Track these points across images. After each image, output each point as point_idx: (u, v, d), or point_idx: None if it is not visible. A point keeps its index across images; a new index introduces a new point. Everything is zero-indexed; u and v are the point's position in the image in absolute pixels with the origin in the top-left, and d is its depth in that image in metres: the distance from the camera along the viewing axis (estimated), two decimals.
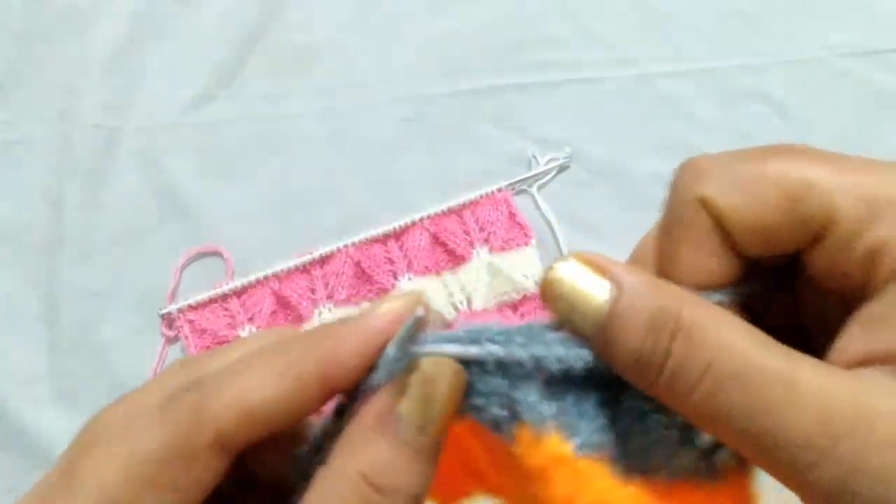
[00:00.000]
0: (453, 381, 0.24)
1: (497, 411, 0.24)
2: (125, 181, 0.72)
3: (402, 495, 0.23)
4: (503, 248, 0.67)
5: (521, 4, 0.80)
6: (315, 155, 0.74)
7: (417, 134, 0.74)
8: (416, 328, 0.24)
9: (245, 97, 0.76)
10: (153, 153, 0.73)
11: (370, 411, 0.24)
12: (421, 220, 0.67)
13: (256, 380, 0.23)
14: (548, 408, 0.24)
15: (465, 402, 0.24)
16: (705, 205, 0.24)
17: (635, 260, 0.28)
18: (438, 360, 0.24)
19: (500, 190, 0.69)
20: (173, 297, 0.67)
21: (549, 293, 0.24)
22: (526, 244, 0.68)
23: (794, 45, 0.77)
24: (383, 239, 0.67)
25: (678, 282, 0.25)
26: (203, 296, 0.66)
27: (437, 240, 0.67)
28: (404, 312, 0.24)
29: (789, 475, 0.21)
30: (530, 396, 0.24)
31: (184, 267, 0.68)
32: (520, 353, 0.24)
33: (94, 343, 0.66)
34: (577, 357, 0.24)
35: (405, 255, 0.67)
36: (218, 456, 0.23)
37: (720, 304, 0.24)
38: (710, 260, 0.25)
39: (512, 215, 0.69)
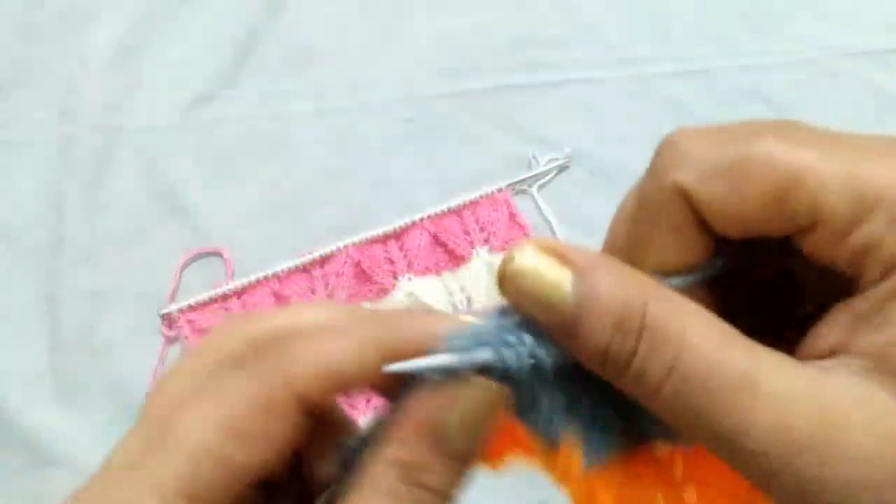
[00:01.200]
0: (497, 403, 0.24)
1: (547, 423, 0.25)
2: (125, 181, 0.72)
3: (442, 497, 0.23)
4: (503, 248, 0.67)
5: (521, 4, 0.80)
6: (315, 155, 0.74)
7: (417, 134, 0.74)
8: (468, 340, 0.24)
9: (245, 97, 0.76)
10: (153, 153, 0.73)
11: (421, 413, 0.24)
12: (421, 220, 0.67)
13: (340, 343, 0.24)
14: (559, 422, 0.24)
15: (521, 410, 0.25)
16: (683, 193, 0.23)
17: (609, 238, 0.27)
18: (488, 384, 0.23)
19: (500, 190, 0.69)
20: (173, 297, 0.67)
21: (507, 288, 0.23)
22: None
23: (794, 45, 0.77)
24: (383, 239, 0.67)
25: (648, 264, 0.24)
26: (203, 296, 0.66)
27: (437, 240, 0.68)
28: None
29: (752, 479, 0.21)
30: (542, 412, 0.24)
31: (184, 267, 0.68)
32: (506, 355, 0.24)
33: (94, 343, 0.66)
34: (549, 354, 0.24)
35: (405, 255, 0.67)
36: (299, 412, 0.24)
37: (688, 286, 0.24)
38: (682, 245, 0.24)
39: (512, 215, 0.69)
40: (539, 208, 0.70)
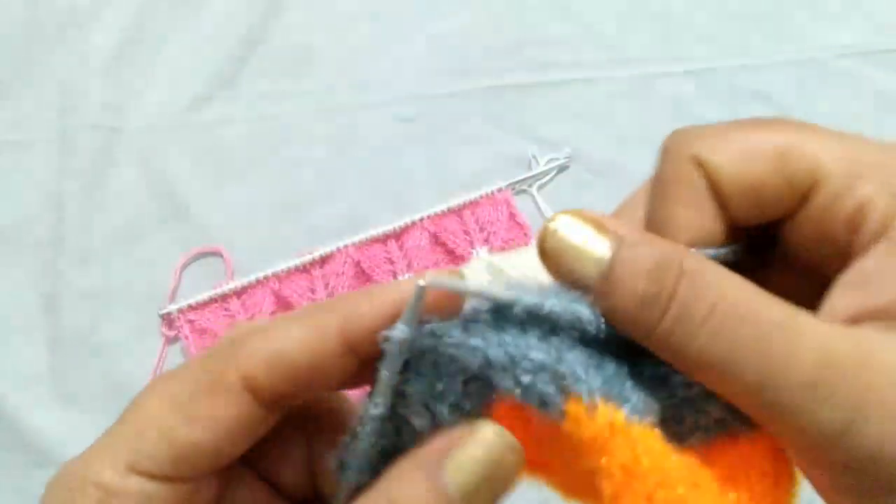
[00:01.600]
0: (511, 460, 0.23)
1: (544, 388, 0.23)
2: (125, 181, 0.72)
3: None
4: (503, 248, 0.67)
5: (522, 4, 0.80)
6: (315, 155, 0.74)
7: (417, 134, 0.74)
8: (421, 296, 0.24)
9: (245, 97, 0.76)
10: (153, 153, 0.73)
11: (425, 454, 0.23)
12: (421, 220, 0.67)
13: (281, 331, 0.25)
14: (595, 378, 0.23)
15: (512, 382, 0.24)
16: (700, 163, 0.25)
17: (622, 215, 0.28)
18: (502, 432, 0.23)
19: (500, 190, 0.69)
20: (173, 297, 0.67)
21: (548, 247, 0.24)
22: (526, 244, 0.68)
23: (794, 45, 0.77)
24: (383, 239, 0.67)
25: (671, 239, 0.25)
26: (203, 296, 0.65)
27: (437, 240, 0.68)
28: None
29: (789, 420, 0.21)
30: (577, 368, 0.23)
31: (184, 267, 0.68)
32: (551, 303, 0.23)
33: (94, 343, 0.66)
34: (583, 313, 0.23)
35: (405, 255, 0.67)
36: (246, 395, 0.24)
37: (714, 258, 0.25)
38: (702, 219, 0.25)
39: (512, 215, 0.69)
40: (539, 208, 0.70)
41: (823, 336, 0.21)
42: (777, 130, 0.25)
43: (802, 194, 0.24)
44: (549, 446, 0.25)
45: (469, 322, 0.24)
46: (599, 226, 0.24)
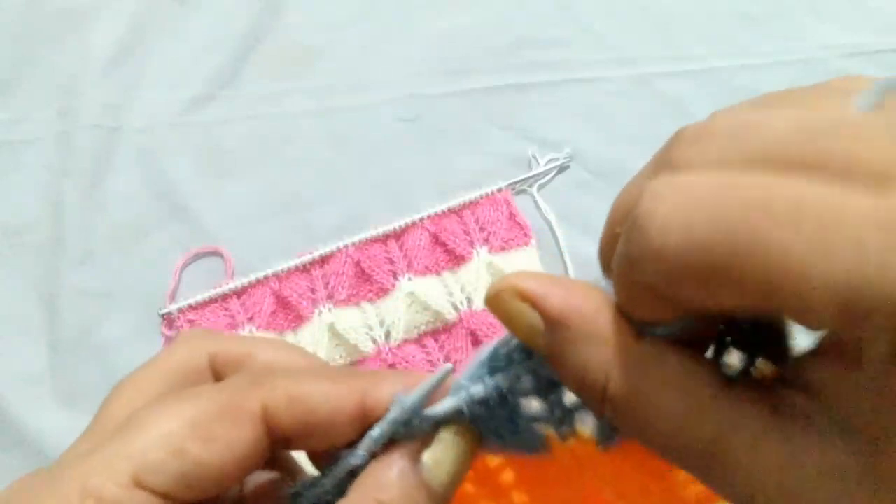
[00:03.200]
0: (472, 444, 0.26)
1: (530, 443, 0.26)
2: (125, 181, 0.72)
3: None
4: (503, 248, 0.67)
5: (521, 4, 0.80)
6: (315, 155, 0.73)
7: (417, 134, 0.74)
8: (444, 378, 0.26)
9: (245, 97, 0.76)
10: (153, 153, 0.73)
11: (397, 454, 0.25)
12: (421, 220, 0.67)
13: (306, 377, 0.26)
14: (565, 422, 0.25)
15: (500, 447, 0.26)
16: (657, 290, 0.20)
17: (606, 235, 0.25)
18: (463, 428, 0.26)
19: (500, 190, 0.69)
20: (173, 297, 0.67)
21: (494, 313, 0.24)
22: (526, 244, 0.68)
23: (794, 45, 0.77)
24: (383, 239, 0.67)
25: (635, 314, 0.22)
26: (203, 296, 0.65)
27: (437, 240, 0.67)
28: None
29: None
30: (552, 416, 0.25)
31: (184, 267, 0.68)
32: (515, 382, 0.25)
33: (94, 343, 0.66)
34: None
35: (405, 255, 0.67)
36: (263, 426, 0.25)
37: (675, 332, 0.22)
38: (667, 313, 0.22)
39: (512, 215, 0.69)
40: (539, 208, 0.70)
41: (751, 471, 0.20)
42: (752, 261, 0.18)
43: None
44: (530, 479, 0.29)
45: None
46: (532, 301, 0.23)
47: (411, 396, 0.25)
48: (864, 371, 0.19)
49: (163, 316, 0.65)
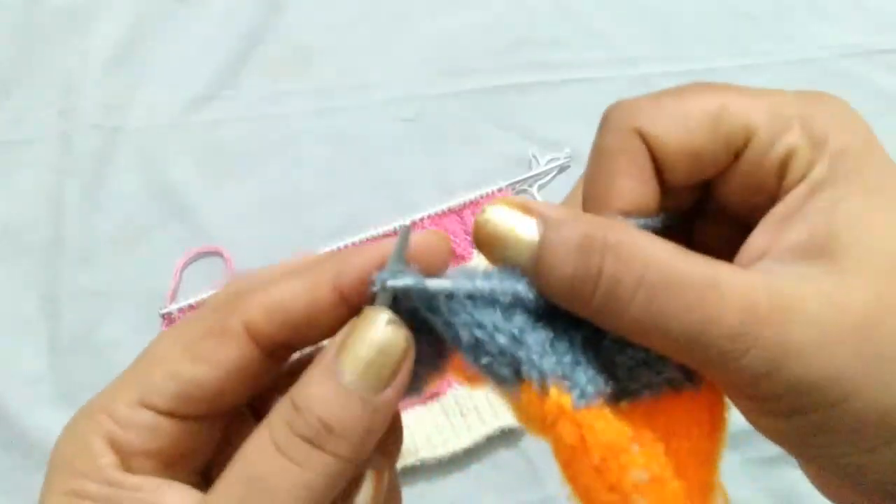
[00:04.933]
0: (401, 338, 0.25)
1: (501, 370, 0.25)
2: (125, 181, 0.72)
3: (348, 439, 0.24)
4: None
5: (521, 4, 0.80)
6: (315, 155, 0.73)
7: (417, 134, 0.74)
8: (406, 239, 0.26)
9: (245, 97, 0.76)
10: (153, 153, 0.73)
11: (325, 353, 0.25)
12: (421, 220, 0.67)
13: (281, 283, 0.27)
14: (549, 362, 0.25)
15: (473, 360, 0.26)
16: (640, 134, 0.26)
17: (566, 202, 0.30)
18: (392, 318, 0.25)
19: (500, 190, 0.69)
20: (174, 297, 0.67)
21: (481, 236, 0.25)
22: None
23: (794, 45, 0.77)
24: (383, 239, 0.67)
25: (608, 209, 0.27)
26: (203, 296, 0.65)
27: None
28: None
29: (721, 368, 0.23)
30: (533, 355, 0.25)
31: (184, 267, 0.68)
32: (487, 285, 0.25)
33: (94, 343, 0.66)
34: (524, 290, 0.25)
35: None
36: (247, 340, 0.26)
37: (644, 228, 0.26)
38: (641, 186, 0.27)
39: None
40: None
41: (742, 290, 0.23)
42: (708, 95, 0.27)
43: (736, 151, 0.26)
44: None
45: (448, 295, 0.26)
46: (526, 209, 0.25)
47: (385, 272, 0.25)
48: (788, 201, 0.25)
49: (163, 316, 0.65)
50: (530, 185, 0.71)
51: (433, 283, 0.25)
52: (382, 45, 0.79)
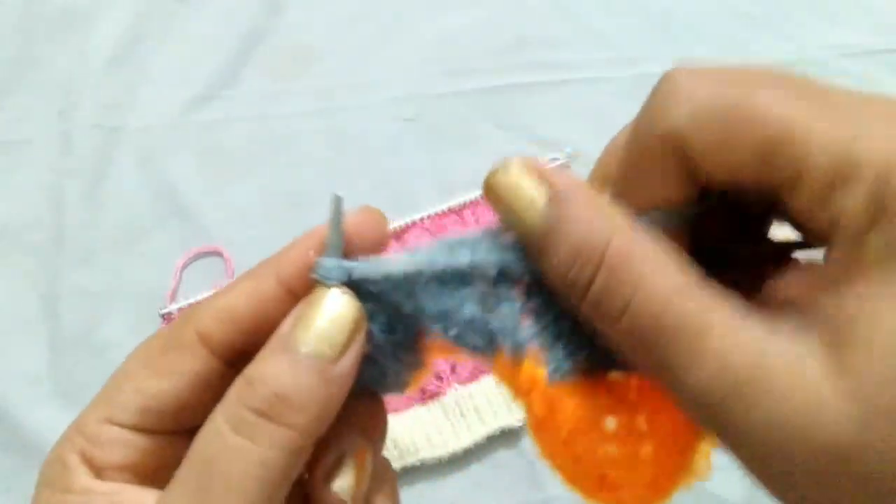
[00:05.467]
0: (354, 309, 0.25)
1: (474, 339, 0.25)
2: (125, 181, 0.72)
3: (304, 411, 0.24)
4: None
5: (521, 4, 0.80)
6: (315, 155, 0.74)
7: (417, 134, 0.74)
8: (338, 210, 0.27)
9: (245, 97, 0.76)
10: (153, 153, 0.73)
11: (278, 330, 0.25)
12: (421, 219, 0.67)
13: (228, 289, 0.28)
14: (523, 334, 0.25)
15: (443, 332, 0.26)
16: (676, 139, 0.23)
17: (598, 168, 0.29)
18: (343, 290, 0.25)
19: None
20: (173, 296, 0.67)
21: (489, 196, 0.25)
22: None
23: (794, 45, 0.77)
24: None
25: (631, 200, 0.25)
26: (203, 296, 0.65)
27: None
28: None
29: (692, 413, 0.23)
30: (508, 323, 0.25)
31: (184, 267, 0.68)
32: (455, 260, 0.25)
33: (94, 343, 0.66)
34: (508, 263, 0.25)
35: None
36: (201, 347, 0.27)
37: (666, 224, 0.24)
38: (667, 190, 0.25)
39: None
40: None
41: (725, 346, 0.21)
42: (769, 114, 0.22)
43: (784, 186, 0.22)
44: None
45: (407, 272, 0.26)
46: (541, 177, 0.24)
47: (326, 256, 0.26)
48: (829, 265, 0.22)
49: (163, 316, 0.65)
50: None
51: (365, 266, 0.26)
52: (382, 44, 0.79)
